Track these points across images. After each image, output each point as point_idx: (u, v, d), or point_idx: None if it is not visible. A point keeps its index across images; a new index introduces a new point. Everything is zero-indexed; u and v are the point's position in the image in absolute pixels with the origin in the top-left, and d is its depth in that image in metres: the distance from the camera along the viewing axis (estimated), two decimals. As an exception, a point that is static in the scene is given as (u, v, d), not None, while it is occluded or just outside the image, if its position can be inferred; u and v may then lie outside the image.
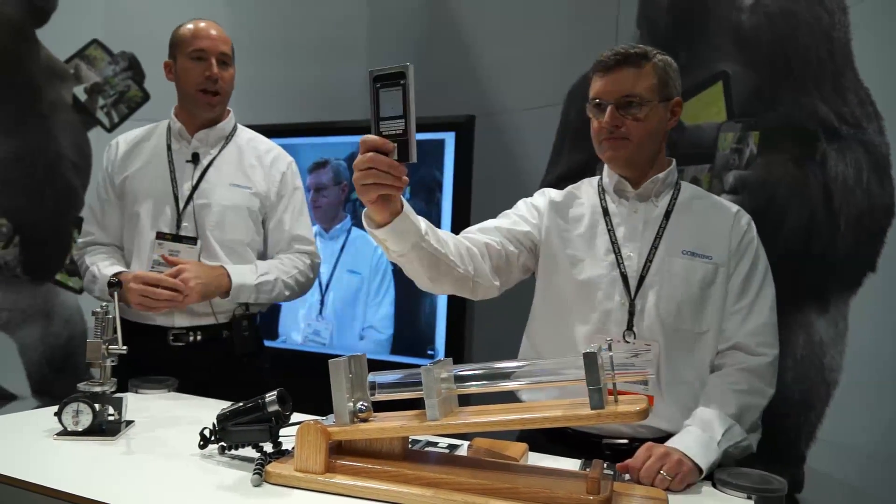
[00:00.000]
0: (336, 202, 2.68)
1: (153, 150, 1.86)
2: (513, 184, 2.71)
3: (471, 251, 1.34)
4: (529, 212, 1.48)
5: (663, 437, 1.29)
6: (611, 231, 1.40)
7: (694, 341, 1.33)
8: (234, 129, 1.93)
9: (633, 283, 1.35)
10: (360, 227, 2.52)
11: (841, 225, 1.77)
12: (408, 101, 0.97)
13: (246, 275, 1.78)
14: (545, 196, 1.50)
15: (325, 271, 2.65)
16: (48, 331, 3.02)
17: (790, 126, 1.88)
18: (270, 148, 1.96)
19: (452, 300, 2.37)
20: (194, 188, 1.79)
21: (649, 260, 1.36)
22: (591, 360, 0.92)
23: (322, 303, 2.66)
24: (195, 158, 1.82)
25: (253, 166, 1.88)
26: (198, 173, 1.81)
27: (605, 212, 1.42)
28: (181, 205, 1.78)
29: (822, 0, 1.83)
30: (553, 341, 1.41)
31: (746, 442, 1.24)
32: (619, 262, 1.37)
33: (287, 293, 1.87)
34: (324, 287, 2.66)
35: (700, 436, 1.18)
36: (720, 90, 2.04)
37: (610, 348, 0.96)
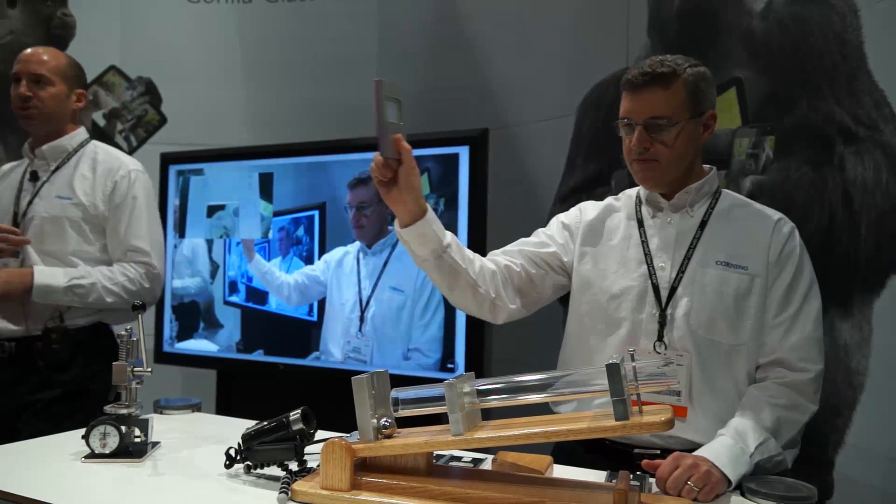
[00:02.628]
0: (380, 218, 2.64)
1: (14, 170, 2.04)
2: (528, 196, 2.71)
3: (493, 274, 1.37)
4: (560, 232, 1.48)
5: (695, 448, 1.28)
6: (644, 242, 1.39)
7: (729, 354, 1.31)
8: (83, 144, 2.02)
9: (664, 293, 1.34)
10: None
11: (861, 227, 1.75)
12: (378, 106, 1.15)
13: (55, 276, 1.85)
14: (581, 213, 1.50)
15: (366, 287, 2.63)
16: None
17: (806, 130, 1.87)
18: (111, 160, 2.01)
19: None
20: (29, 203, 1.92)
21: (681, 270, 1.34)
22: (614, 370, 0.92)
23: (362, 319, 2.64)
24: (34, 176, 1.97)
25: (84, 177, 1.96)
26: (37, 189, 1.95)
27: (640, 223, 1.42)
28: (17, 220, 1.92)
29: (834, 4, 1.82)
30: (584, 358, 1.41)
31: (781, 457, 1.22)
32: (651, 272, 1.36)
33: (110, 300, 1.90)
34: (364, 303, 2.66)
35: (732, 446, 1.16)
36: (734, 96, 2.04)
37: (633, 358, 0.95)
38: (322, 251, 2.68)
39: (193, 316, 2.91)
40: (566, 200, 2.57)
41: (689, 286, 1.33)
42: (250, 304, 2.80)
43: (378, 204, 2.62)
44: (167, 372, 2.97)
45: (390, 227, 2.59)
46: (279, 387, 2.73)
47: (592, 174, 2.49)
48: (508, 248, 1.48)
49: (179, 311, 2.93)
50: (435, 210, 1.37)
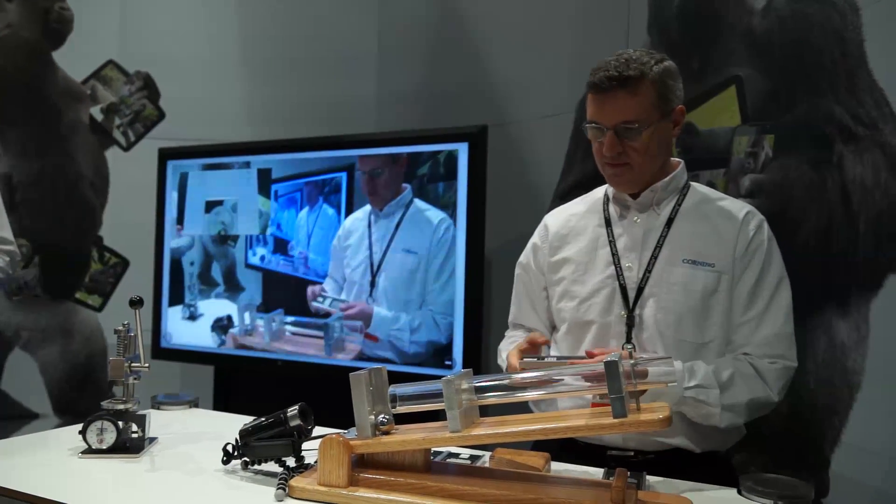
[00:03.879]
0: (393, 181, 2.58)
1: None
2: (527, 193, 2.71)
3: None
4: (534, 261, 1.49)
5: (668, 450, 1.30)
6: (612, 242, 1.38)
7: (697, 352, 1.30)
8: None
9: (631, 294, 1.33)
10: (423, 198, 2.49)
11: (860, 226, 1.75)
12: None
13: None
14: (546, 228, 1.49)
15: (377, 251, 2.58)
16: (68, 349, 3.05)
17: (805, 128, 1.88)
18: None
19: (469, 310, 2.36)
20: None
21: (648, 270, 1.33)
22: (612, 368, 0.92)
23: (372, 284, 2.59)
24: None
25: None
26: None
27: (608, 223, 1.41)
28: None
29: (834, 2, 1.82)
30: None
31: (715, 410, 1.22)
32: (619, 273, 1.35)
33: None
34: (375, 267, 2.59)
35: (679, 371, 1.18)
36: (733, 94, 2.04)
37: (631, 356, 0.96)
38: (350, 209, 2.66)
39: (212, 279, 2.94)
40: (565, 197, 2.56)
41: (655, 286, 1.32)
42: (271, 268, 2.82)
43: (392, 165, 2.59)
44: (165, 368, 2.98)
45: (405, 185, 2.55)
46: (278, 383, 2.74)
47: (591, 171, 2.47)
48: (514, 320, 1.53)
49: (202, 273, 2.96)
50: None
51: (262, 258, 2.84)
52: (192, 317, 2.95)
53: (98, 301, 3.10)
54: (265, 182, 2.80)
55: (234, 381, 2.94)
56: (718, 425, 1.24)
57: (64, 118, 3.04)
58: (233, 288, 2.88)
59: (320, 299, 2.69)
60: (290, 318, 2.74)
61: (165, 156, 2.97)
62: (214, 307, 2.91)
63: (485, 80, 2.89)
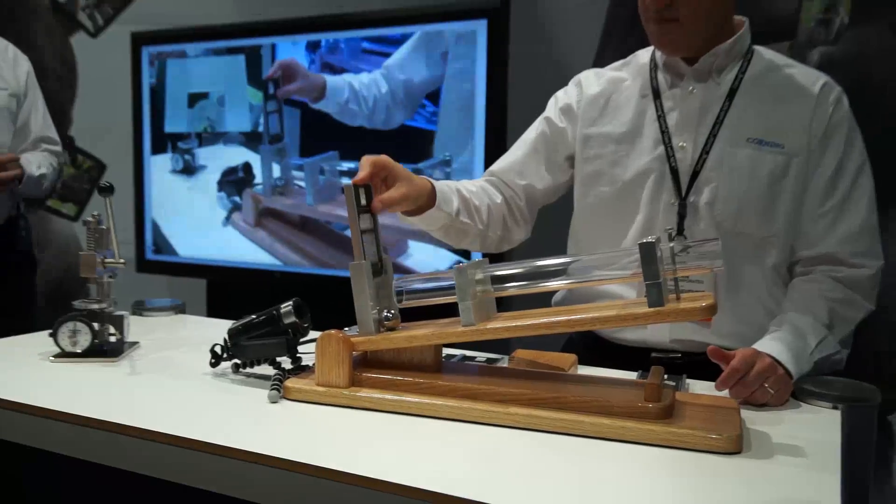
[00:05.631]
0: None
1: None
2: (554, 80, 2.63)
3: (500, 216, 1.41)
4: (557, 118, 1.45)
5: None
6: (661, 118, 1.33)
7: (759, 246, 1.28)
8: None
9: (684, 179, 1.30)
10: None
11: (949, 104, 1.69)
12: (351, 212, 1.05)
13: (31, 164, 2.09)
14: (581, 87, 1.44)
15: None
16: (42, 262, 3.09)
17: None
18: (6, 45, 2.16)
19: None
20: None
21: (706, 151, 1.29)
22: (648, 251, 0.90)
23: None
24: None
25: None
26: None
27: (656, 94, 1.35)
28: None
29: None
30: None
31: (839, 356, 1.21)
32: (670, 154, 1.31)
33: (45, 187, 2.17)
34: None
35: (792, 343, 1.13)
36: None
37: (671, 238, 0.94)
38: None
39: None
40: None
41: (714, 169, 1.28)
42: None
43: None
44: (151, 282, 3.03)
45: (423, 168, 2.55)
46: (275, 295, 2.77)
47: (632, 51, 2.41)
48: (507, 168, 1.46)
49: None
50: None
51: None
52: (188, 169, 2.92)
53: (73, 209, 3.12)
54: (255, 71, 2.75)
55: (228, 293, 2.98)
56: (842, 368, 1.23)
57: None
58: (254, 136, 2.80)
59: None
60: (347, 165, 2.66)
61: (140, 41, 2.91)
62: (223, 155, 2.86)
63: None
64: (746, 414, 0.99)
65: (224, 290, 2.99)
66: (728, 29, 1.32)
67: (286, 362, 1.11)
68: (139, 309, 1.58)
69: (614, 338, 1.37)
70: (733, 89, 1.31)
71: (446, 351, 1.28)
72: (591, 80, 1.44)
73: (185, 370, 1.18)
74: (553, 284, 1.00)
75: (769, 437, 0.92)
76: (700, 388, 1.13)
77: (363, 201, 1.06)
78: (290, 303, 1.11)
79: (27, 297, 2.26)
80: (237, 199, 2.84)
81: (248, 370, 1.15)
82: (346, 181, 2.48)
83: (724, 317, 1.28)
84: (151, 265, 3.00)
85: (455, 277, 0.99)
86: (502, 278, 1.02)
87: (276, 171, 2.74)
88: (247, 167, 2.81)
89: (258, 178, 2.79)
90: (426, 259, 2.53)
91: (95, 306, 1.24)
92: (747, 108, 1.30)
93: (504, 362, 1.23)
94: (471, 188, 1.37)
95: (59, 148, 2.25)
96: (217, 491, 0.85)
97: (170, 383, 1.12)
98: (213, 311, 2.94)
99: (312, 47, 2.66)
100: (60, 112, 3.07)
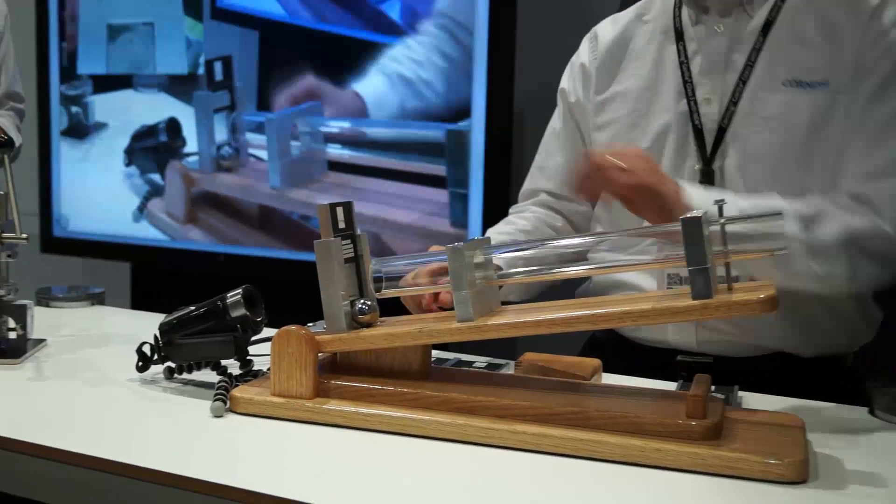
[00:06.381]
0: None
1: None
2: (571, 29, 2.64)
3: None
4: (573, 92, 1.50)
5: (762, 356, 1.30)
6: (683, 64, 1.35)
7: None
8: None
9: (709, 138, 1.32)
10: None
11: None
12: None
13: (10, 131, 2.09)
14: (596, 40, 1.49)
15: None
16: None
17: None
18: None
19: (490, 172, 2.35)
20: None
21: (733, 102, 1.31)
22: (693, 227, 0.90)
23: None
24: None
25: None
26: None
27: (679, 35, 1.37)
28: None
29: None
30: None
31: (795, 250, 1.13)
32: (693, 109, 1.33)
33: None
34: None
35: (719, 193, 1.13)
36: None
37: (721, 212, 0.93)
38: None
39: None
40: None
41: (743, 125, 1.29)
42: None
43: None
44: (61, 265, 3.02)
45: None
46: (219, 282, 2.76)
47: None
48: (555, 182, 1.51)
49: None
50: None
51: None
52: (79, 129, 2.88)
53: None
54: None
55: (162, 282, 2.97)
56: (807, 284, 1.18)
57: None
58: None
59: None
60: (340, 124, 2.44)
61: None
62: (135, 108, 2.76)
63: None
64: (814, 435, 0.99)
65: (153, 275, 2.98)
66: None
67: (234, 366, 1.11)
68: (46, 298, 1.58)
69: (632, 336, 1.40)
70: (769, 21, 1.31)
71: (436, 353, 1.28)
72: (607, 29, 1.48)
73: (105, 375, 1.18)
74: (571, 271, 1.00)
75: (840, 463, 0.92)
76: (756, 401, 1.13)
77: (341, 224, 1.05)
78: (239, 291, 1.10)
79: None
80: (157, 177, 2.75)
81: (186, 376, 1.15)
82: (332, 150, 2.44)
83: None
84: (60, 244, 2.98)
85: (449, 260, 0.98)
86: (508, 262, 1.02)
87: (221, 132, 2.62)
88: (172, 127, 2.69)
89: (191, 145, 2.65)
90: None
91: (-12, 293, 1.24)
92: (785, 44, 1.30)
93: (510, 369, 1.23)
94: (527, 227, 1.45)
95: (23, 106, 2.32)
96: (145, 527, 0.85)
97: (85, 392, 1.11)
98: (140, 302, 2.94)
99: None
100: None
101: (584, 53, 1.50)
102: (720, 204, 0.94)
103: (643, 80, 1.40)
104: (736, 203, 1.12)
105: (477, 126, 2.36)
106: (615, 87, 1.43)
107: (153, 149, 2.69)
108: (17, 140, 2.15)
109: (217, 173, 2.59)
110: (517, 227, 1.46)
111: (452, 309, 0.99)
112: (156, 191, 2.71)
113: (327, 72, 2.50)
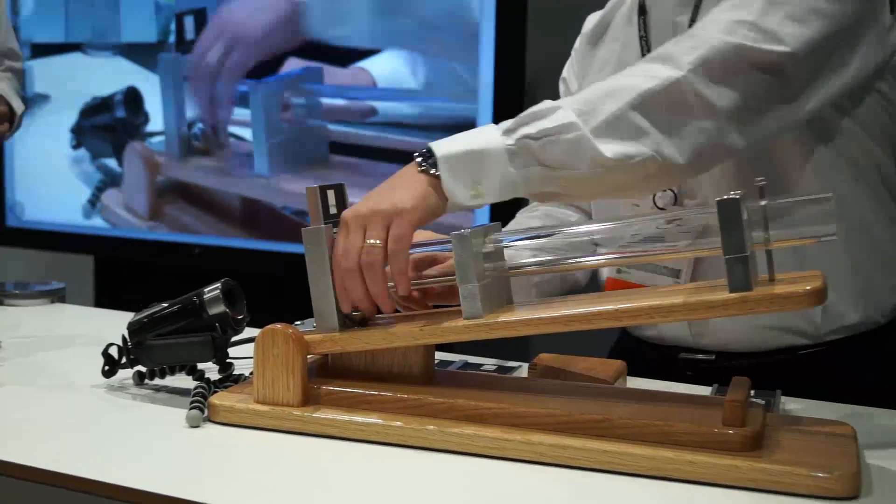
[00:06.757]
0: None
1: None
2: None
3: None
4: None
5: (768, 352, 1.29)
6: (643, 38, 1.38)
7: None
8: None
9: None
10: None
11: None
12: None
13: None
14: (582, 31, 1.54)
15: None
16: None
17: None
18: None
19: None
20: None
21: None
22: (730, 210, 0.90)
23: None
24: None
25: None
26: None
27: (642, 10, 1.39)
28: None
29: None
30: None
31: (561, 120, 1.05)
32: None
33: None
34: None
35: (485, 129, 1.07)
36: None
37: (762, 194, 0.93)
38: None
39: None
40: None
41: None
42: None
43: None
44: (17, 259, 3.02)
45: None
46: (195, 276, 2.76)
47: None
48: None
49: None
50: None
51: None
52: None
53: None
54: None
55: (130, 277, 2.97)
56: (618, 178, 1.07)
57: None
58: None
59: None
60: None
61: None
62: (85, 75, 2.65)
63: None
64: (865, 444, 0.99)
65: (120, 269, 2.98)
66: None
67: (212, 370, 1.11)
68: (0, 295, 1.58)
69: (636, 333, 1.41)
70: None
71: (440, 355, 1.28)
72: (595, 14, 1.53)
73: (67, 381, 1.18)
74: (591, 261, 1.00)
75: (896, 476, 0.92)
76: (798, 407, 1.13)
77: (333, 209, 1.05)
78: (218, 286, 1.10)
79: None
80: (112, 162, 2.69)
81: (158, 381, 1.15)
82: (335, 128, 2.31)
83: None
84: (15, 235, 2.99)
85: (455, 248, 0.98)
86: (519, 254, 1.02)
87: (193, 106, 2.57)
88: (131, 99, 2.58)
89: (155, 122, 2.54)
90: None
91: (-63, 289, 1.24)
92: None
93: (523, 372, 1.23)
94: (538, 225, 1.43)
95: (20, 65, 2.20)
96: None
97: (45, 399, 1.12)
98: (106, 299, 2.94)
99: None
100: None
101: (578, 39, 1.55)
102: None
103: (613, 65, 1.42)
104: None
105: (483, 111, 2.33)
106: (592, 75, 1.47)
107: (108, 127, 2.57)
108: (19, 108, 2.04)
109: (188, 157, 2.48)
110: (527, 226, 1.46)
111: (444, 305, 0.99)
112: (111, 180, 2.57)
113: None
